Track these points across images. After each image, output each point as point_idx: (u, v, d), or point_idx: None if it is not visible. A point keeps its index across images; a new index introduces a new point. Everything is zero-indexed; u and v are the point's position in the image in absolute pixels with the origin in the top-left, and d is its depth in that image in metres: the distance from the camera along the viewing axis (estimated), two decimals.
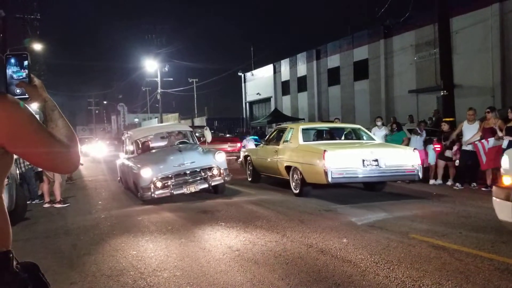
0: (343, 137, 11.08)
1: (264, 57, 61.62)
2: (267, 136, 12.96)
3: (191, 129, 12.06)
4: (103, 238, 6.42)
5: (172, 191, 8.96)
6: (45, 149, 1.42)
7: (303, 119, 32.70)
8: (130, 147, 11.08)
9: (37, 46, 29.99)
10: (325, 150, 8.21)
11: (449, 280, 3.98)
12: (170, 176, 9.09)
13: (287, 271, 4.46)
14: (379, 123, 12.60)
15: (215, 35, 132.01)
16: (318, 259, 4.79)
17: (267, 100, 42.32)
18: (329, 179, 8.08)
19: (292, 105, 38.10)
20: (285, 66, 39.48)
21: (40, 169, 10.14)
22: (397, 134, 11.78)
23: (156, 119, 54.46)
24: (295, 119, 31.94)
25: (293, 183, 9.40)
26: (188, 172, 9.21)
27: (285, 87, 39.45)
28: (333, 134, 11.39)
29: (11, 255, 1.41)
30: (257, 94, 43.11)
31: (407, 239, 5.48)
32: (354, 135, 10.72)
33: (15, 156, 1.50)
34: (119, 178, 12.22)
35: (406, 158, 8.63)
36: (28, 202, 9.16)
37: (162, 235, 6.34)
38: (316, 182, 8.68)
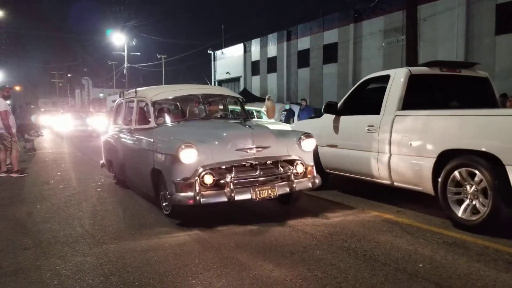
0: None
1: (235, 36, 61.10)
2: None
3: (242, 98, 7.74)
4: (60, 207, 6.31)
5: (233, 195, 4.95)
6: None
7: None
8: (141, 114, 6.89)
9: None
10: None
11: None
12: (228, 167, 5.13)
13: None
14: None
15: (186, 11, 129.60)
16: None
17: (236, 79, 42.05)
18: None
19: (261, 86, 38.02)
20: (255, 46, 39.24)
21: None
22: None
23: None
24: (263, 100, 31.87)
25: None
26: (256, 163, 5.27)
27: (254, 67, 39.28)
28: None
29: None
30: (227, 73, 42.77)
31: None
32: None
33: None
34: (102, 162, 8.69)
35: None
36: None
37: None
38: None
